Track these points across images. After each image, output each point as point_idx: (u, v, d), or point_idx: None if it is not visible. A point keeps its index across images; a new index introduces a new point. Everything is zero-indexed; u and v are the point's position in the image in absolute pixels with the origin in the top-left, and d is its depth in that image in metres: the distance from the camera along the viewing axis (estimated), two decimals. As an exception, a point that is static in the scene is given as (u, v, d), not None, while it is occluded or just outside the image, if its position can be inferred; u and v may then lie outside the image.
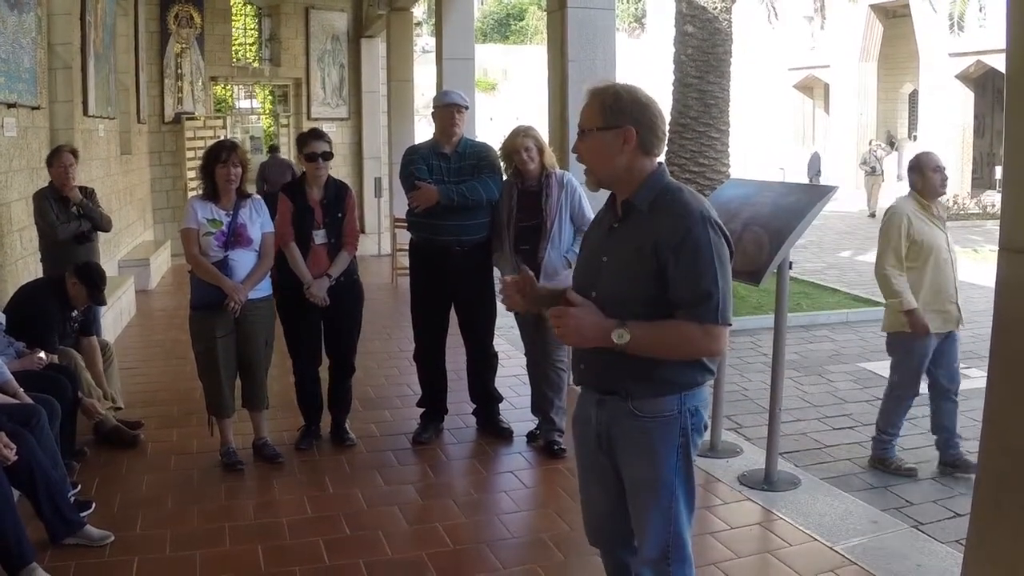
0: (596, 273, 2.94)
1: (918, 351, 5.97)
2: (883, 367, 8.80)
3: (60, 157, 7.04)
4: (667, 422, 2.87)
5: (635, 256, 2.81)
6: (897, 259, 5.84)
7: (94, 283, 6.01)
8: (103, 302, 6.29)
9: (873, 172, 24.44)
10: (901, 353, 6.09)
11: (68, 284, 5.96)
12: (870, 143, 26.06)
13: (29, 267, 7.50)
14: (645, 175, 2.88)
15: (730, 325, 2.77)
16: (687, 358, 2.83)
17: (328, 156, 5.78)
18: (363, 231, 6.59)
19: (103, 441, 5.98)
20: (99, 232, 7.42)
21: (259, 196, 5.71)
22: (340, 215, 5.82)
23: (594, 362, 2.95)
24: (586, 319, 2.79)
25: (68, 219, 6.99)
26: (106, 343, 6.71)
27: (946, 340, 6.01)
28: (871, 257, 17.14)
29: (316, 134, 5.86)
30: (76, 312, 6.10)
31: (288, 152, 16.95)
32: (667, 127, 2.90)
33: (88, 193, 7.32)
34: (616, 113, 2.83)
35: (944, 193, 6.06)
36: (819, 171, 29.57)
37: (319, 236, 5.77)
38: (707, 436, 5.29)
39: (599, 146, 2.87)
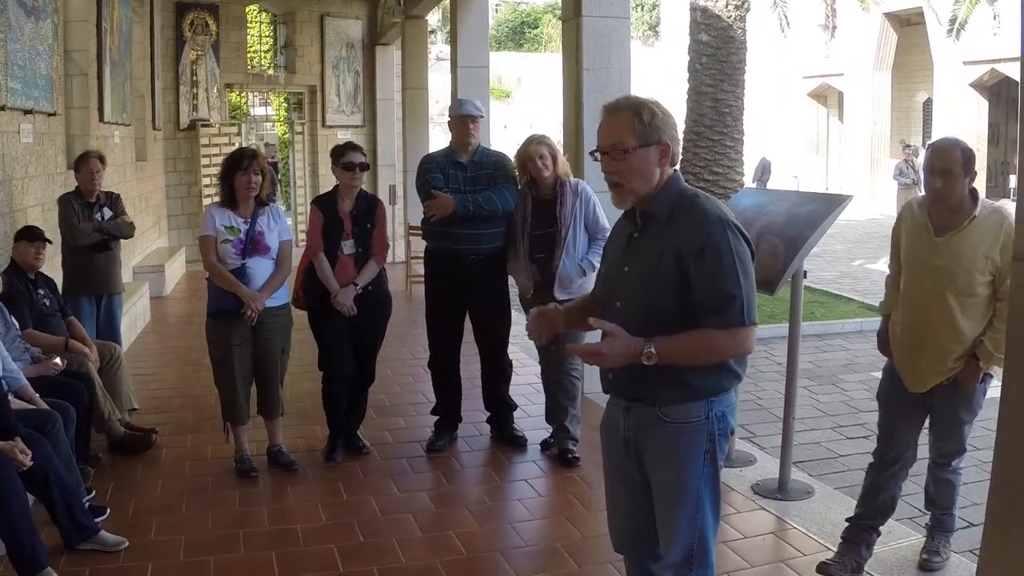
0: (619, 283, 2.98)
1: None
2: (897, 377, 8.80)
3: (88, 163, 7.04)
4: (695, 428, 2.89)
5: (657, 265, 2.84)
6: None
7: (28, 232, 5.99)
8: (43, 236, 6.14)
9: (913, 184, 21.16)
10: None
11: (15, 255, 5.96)
12: (906, 150, 23.17)
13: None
14: (662, 184, 2.90)
15: (756, 324, 2.83)
16: (718, 362, 2.86)
17: (365, 167, 5.84)
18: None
19: (116, 449, 6.01)
20: (119, 240, 7.40)
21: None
22: (369, 226, 5.87)
23: (621, 371, 2.95)
24: (616, 347, 2.79)
25: (91, 224, 6.98)
26: (113, 347, 6.58)
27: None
28: (883, 266, 17.08)
29: (353, 146, 5.93)
30: (42, 291, 6.05)
31: (301, 161, 16.96)
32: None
33: (113, 199, 7.32)
34: (654, 129, 2.84)
35: (939, 199, 4.22)
36: (764, 176, 27.39)
37: (347, 246, 5.81)
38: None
39: (642, 164, 2.85)
